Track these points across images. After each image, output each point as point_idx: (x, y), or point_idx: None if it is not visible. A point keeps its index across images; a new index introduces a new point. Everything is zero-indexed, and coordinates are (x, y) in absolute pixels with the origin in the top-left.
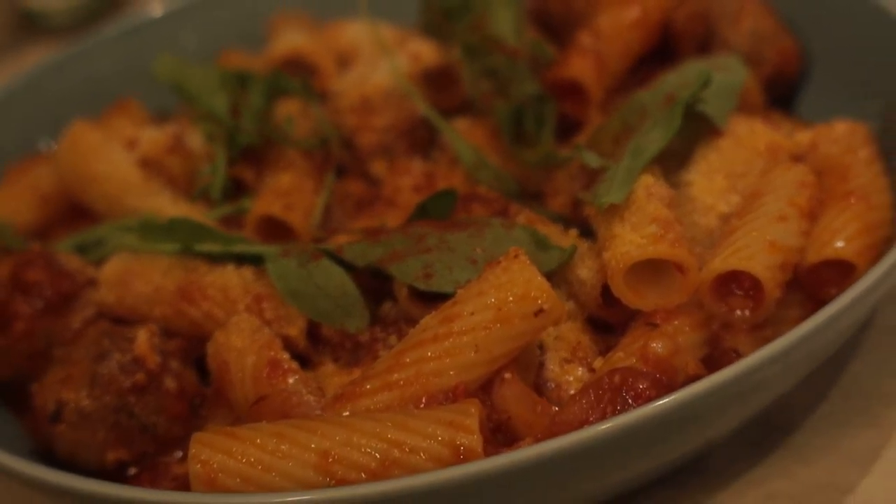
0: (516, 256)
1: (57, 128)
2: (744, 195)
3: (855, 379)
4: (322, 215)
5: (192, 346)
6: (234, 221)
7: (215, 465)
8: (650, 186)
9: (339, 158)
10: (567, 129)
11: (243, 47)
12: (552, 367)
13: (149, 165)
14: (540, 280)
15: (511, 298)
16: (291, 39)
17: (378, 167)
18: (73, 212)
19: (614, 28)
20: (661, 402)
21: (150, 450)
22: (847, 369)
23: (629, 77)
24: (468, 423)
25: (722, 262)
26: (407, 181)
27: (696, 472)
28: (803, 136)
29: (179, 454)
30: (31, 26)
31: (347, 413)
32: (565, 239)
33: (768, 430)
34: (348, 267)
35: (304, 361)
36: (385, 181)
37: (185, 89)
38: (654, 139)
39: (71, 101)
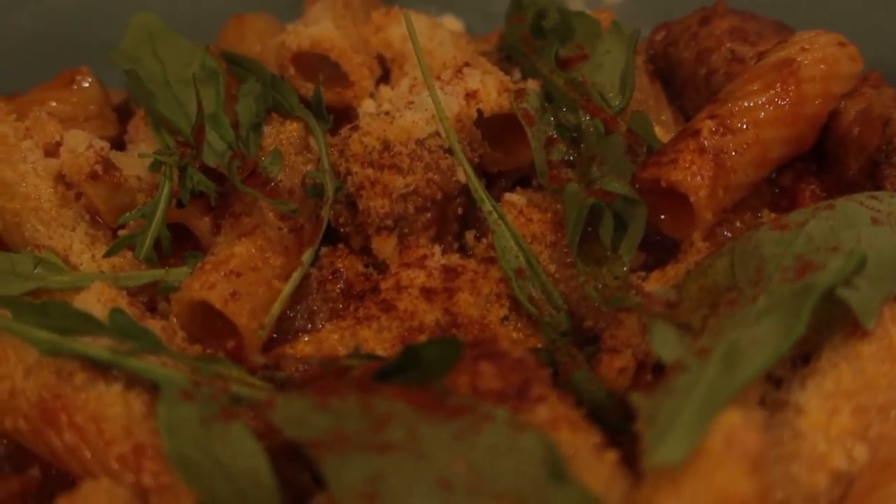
0: None
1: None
2: (875, 449)
3: None
4: (290, 302)
5: (47, 481)
6: (155, 295)
7: None
8: (734, 434)
9: (336, 220)
10: (656, 247)
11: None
12: None
13: (69, 185)
14: None
15: None
16: (320, 26)
17: (385, 246)
18: None
19: (752, 119)
20: None
21: None
22: None
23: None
24: None
25: None
26: (418, 278)
27: None
28: None
29: None
30: None
31: None
32: (596, 468)
33: None
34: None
35: None
36: (389, 269)
37: (141, 82)
38: (763, 342)
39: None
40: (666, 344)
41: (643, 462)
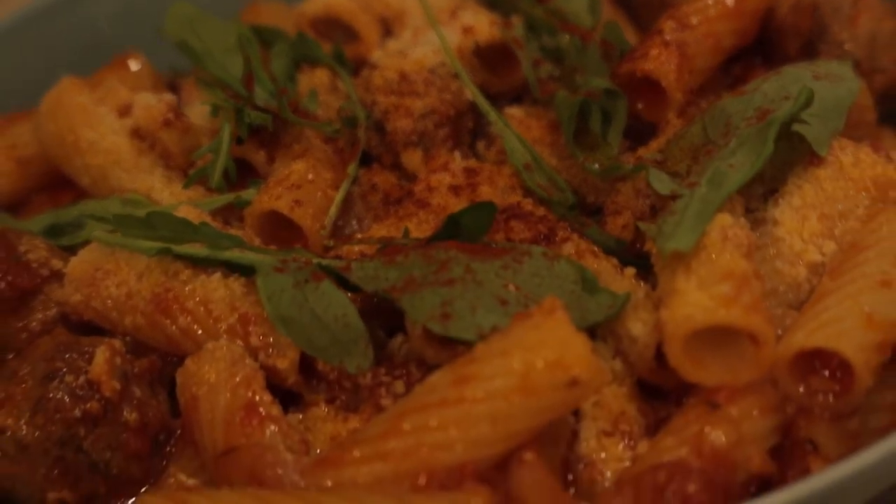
0: (552, 311)
1: (45, 81)
2: (841, 243)
3: None
4: (340, 212)
5: (166, 365)
6: (232, 214)
7: None
8: (727, 229)
9: (368, 145)
10: (638, 132)
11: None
12: (587, 440)
13: (142, 137)
14: (578, 344)
15: (540, 364)
16: None
17: (412, 158)
18: (55, 180)
19: (705, 16)
20: None
21: (100, 491)
22: None
23: (717, 76)
24: None
25: (806, 336)
26: (444, 179)
27: None
28: None
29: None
30: None
31: (329, 483)
32: (619, 280)
33: None
34: (354, 288)
35: (294, 398)
36: (419, 176)
37: (192, 49)
38: (739, 166)
39: (65, 50)
40: (661, 181)
41: (658, 253)
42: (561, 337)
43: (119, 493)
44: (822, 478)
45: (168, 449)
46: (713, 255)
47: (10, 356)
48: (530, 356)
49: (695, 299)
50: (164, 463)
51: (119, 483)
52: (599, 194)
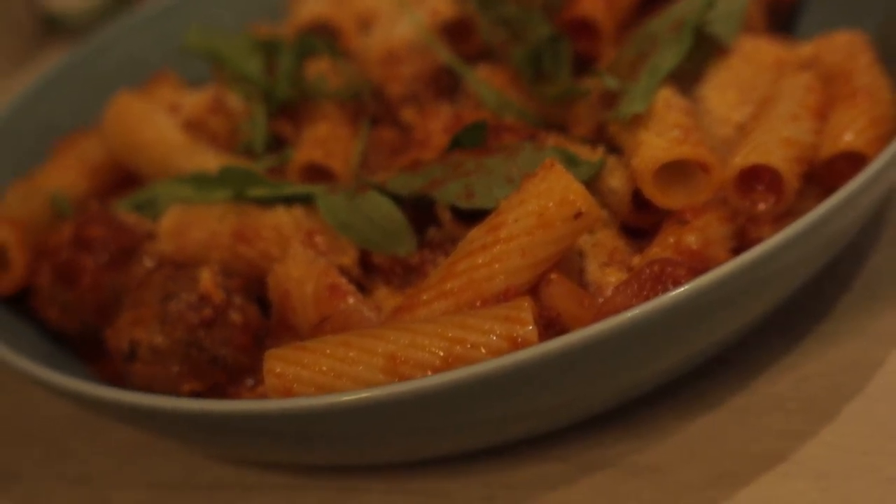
0: (552, 166)
1: (102, 104)
2: (755, 104)
3: (876, 271)
4: (360, 161)
5: (251, 285)
6: (278, 172)
7: (290, 377)
8: (669, 98)
9: (371, 109)
10: (583, 66)
11: (266, 22)
12: (592, 270)
13: (192, 127)
14: (577, 185)
15: (551, 204)
16: (313, 7)
17: (408, 114)
18: (123, 181)
19: None
20: (701, 279)
21: (222, 380)
22: (867, 264)
23: (637, 16)
24: (523, 316)
25: (743, 158)
26: (437, 123)
27: (730, 363)
28: (806, 49)
29: (250, 382)
30: (51, 29)
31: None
32: (594, 155)
33: (796, 318)
34: (392, 198)
35: (359, 288)
36: (416, 126)
37: (218, 54)
38: (667, 58)
39: (112, 80)
40: (611, 81)
41: (620, 127)
42: (563, 182)
43: (235, 379)
44: (767, 244)
45: (266, 342)
46: (663, 115)
47: (125, 299)
48: (542, 200)
49: (655, 143)
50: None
51: (234, 372)
52: (560, 116)
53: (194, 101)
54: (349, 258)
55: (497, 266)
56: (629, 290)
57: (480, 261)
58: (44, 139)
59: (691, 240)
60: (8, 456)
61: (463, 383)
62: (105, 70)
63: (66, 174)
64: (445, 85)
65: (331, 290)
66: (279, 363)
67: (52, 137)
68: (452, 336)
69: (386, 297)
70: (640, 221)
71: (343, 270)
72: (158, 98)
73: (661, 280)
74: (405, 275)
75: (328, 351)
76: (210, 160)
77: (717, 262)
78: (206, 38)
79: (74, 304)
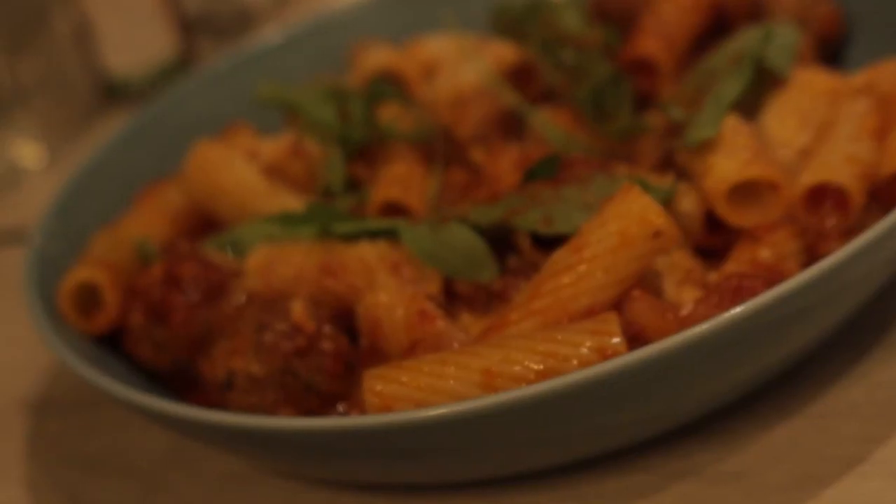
0: (630, 189)
1: (176, 159)
2: (815, 129)
3: None
4: (435, 198)
5: (338, 316)
6: (356, 212)
7: (389, 395)
8: (735, 124)
9: (442, 150)
10: (643, 103)
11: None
12: (669, 289)
13: (271, 172)
14: (655, 205)
15: (631, 224)
16: (379, 56)
17: (477, 154)
18: (204, 227)
19: (675, 11)
20: (781, 286)
21: (315, 406)
22: None
23: (694, 54)
24: (611, 328)
25: (810, 176)
26: (506, 161)
27: (803, 374)
28: (858, 78)
29: (341, 408)
30: (112, 94)
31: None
32: (664, 181)
33: (864, 330)
34: (472, 228)
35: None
36: (486, 165)
37: (292, 103)
38: (730, 89)
39: (186, 134)
40: (676, 112)
41: (688, 155)
42: (641, 203)
43: (328, 405)
44: (841, 252)
45: (357, 370)
46: (731, 139)
47: (217, 334)
48: (623, 220)
49: (726, 165)
50: (357, 380)
51: (327, 398)
52: (625, 152)
53: (273, 146)
54: (435, 286)
55: (582, 284)
56: (710, 302)
57: (566, 280)
58: (123, 192)
59: (766, 255)
60: (106, 492)
61: (560, 392)
62: (178, 126)
63: (148, 221)
64: (512, 126)
65: (421, 314)
66: (379, 382)
67: (131, 190)
68: (544, 350)
69: (471, 322)
70: (713, 242)
71: (429, 297)
72: (237, 145)
73: (739, 293)
74: (488, 301)
75: (425, 368)
76: (291, 202)
77: (791, 276)
78: (277, 88)
79: (167, 340)
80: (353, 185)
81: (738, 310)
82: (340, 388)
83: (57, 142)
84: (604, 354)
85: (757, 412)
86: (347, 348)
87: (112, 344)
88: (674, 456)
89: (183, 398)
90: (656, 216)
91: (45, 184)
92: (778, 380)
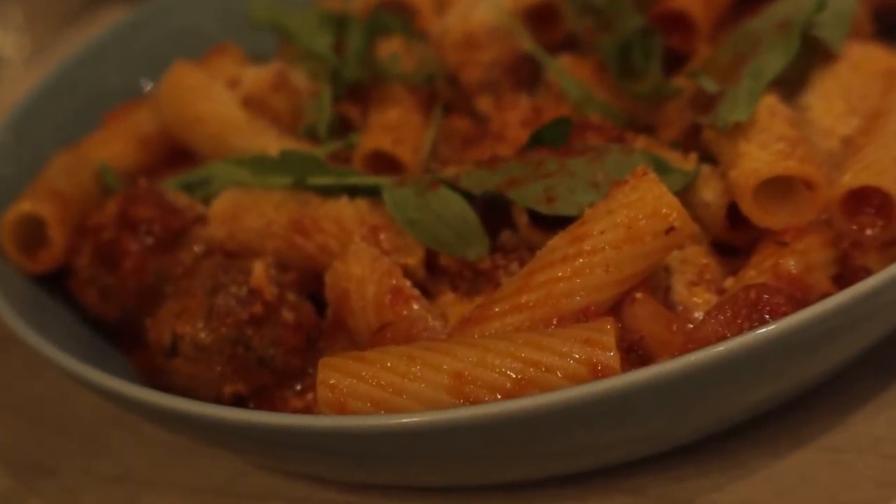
0: (644, 174)
1: (156, 74)
2: (864, 117)
3: None
4: (430, 151)
5: (306, 280)
6: (342, 159)
7: (345, 390)
8: (773, 106)
9: (445, 95)
10: (673, 63)
11: None
12: (679, 289)
13: (252, 104)
14: (670, 197)
15: (641, 216)
16: None
17: (484, 103)
18: (175, 155)
19: None
20: (802, 313)
21: (268, 382)
22: None
23: (734, 11)
24: (605, 339)
25: (852, 177)
26: (514, 116)
27: (822, 396)
28: None
29: (298, 387)
30: None
31: (477, 336)
32: (686, 163)
33: (894, 353)
34: (465, 195)
35: (423, 292)
36: (492, 117)
37: (284, 28)
38: (772, 62)
39: (169, 48)
40: (709, 83)
41: (717, 135)
42: (655, 193)
43: (283, 383)
44: (876, 279)
45: (319, 344)
46: (766, 125)
47: (170, 287)
48: (632, 211)
49: (758, 156)
50: (318, 356)
51: (283, 374)
52: (648, 116)
53: (256, 76)
54: (415, 259)
55: (578, 281)
56: (722, 316)
57: (560, 274)
58: (93, 107)
59: (791, 264)
60: (43, 448)
61: (535, 413)
62: (162, 37)
63: (114, 145)
64: (525, 74)
65: (394, 293)
66: (334, 374)
67: (102, 106)
68: (526, 357)
69: (452, 303)
70: (734, 239)
71: (407, 272)
72: (218, 71)
73: (757, 308)
74: (474, 280)
75: (389, 363)
76: (270, 141)
77: (818, 291)
78: (272, 10)
79: (115, 288)
80: (343, 127)
81: (751, 336)
82: (299, 364)
83: (44, 34)
84: (594, 370)
85: (764, 437)
86: (311, 320)
87: (59, 284)
88: (666, 479)
89: (127, 354)
90: (671, 210)
91: (23, 76)
92: (792, 401)
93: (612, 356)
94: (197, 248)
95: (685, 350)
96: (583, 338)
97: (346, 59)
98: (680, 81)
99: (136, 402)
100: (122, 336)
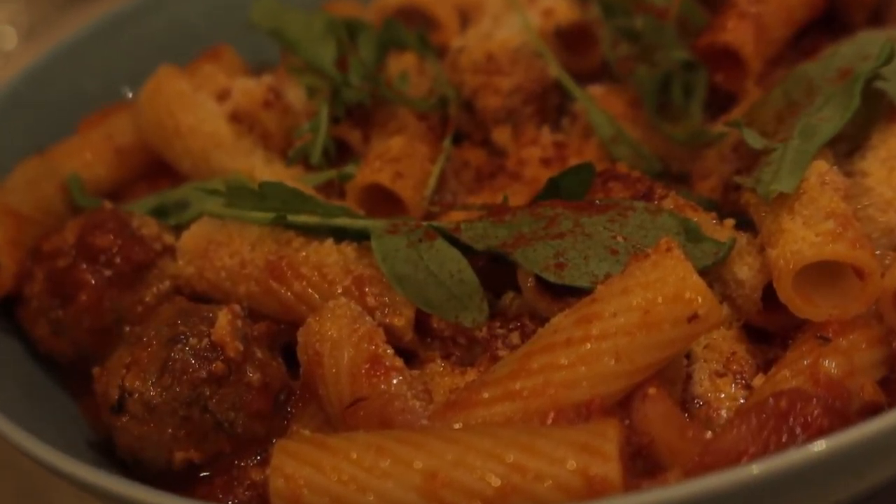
0: (668, 249)
1: (141, 76)
2: None
3: None
4: (436, 187)
5: (280, 332)
6: (335, 189)
7: (301, 481)
8: (824, 174)
9: (458, 123)
10: (718, 103)
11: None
12: (701, 381)
13: (241, 120)
14: (696, 279)
15: (661, 300)
16: None
17: (502, 135)
18: (153, 169)
19: None
20: (838, 438)
21: (226, 450)
22: None
23: (789, 49)
24: (605, 448)
25: None
26: (534, 153)
27: None
28: None
29: (258, 457)
30: None
31: (459, 425)
32: (720, 230)
33: None
34: (465, 249)
35: (410, 357)
36: (509, 151)
37: (285, 36)
38: (828, 119)
39: (158, 48)
40: (754, 138)
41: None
42: (679, 274)
43: (243, 451)
44: None
45: (289, 409)
46: (815, 197)
47: (127, 328)
48: (651, 293)
49: (802, 236)
50: (286, 422)
51: (243, 442)
52: (684, 163)
53: (247, 88)
54: (403, 319)
55: (582, 370)
56: (746, 427)
57: (563, 360)
58: (69, 112)
59: (832, 366)
60: None
61: None
62: (149, 36)
63: (87, 154)
64: (550, 105)
65: (372, 362)
66: (290, 461)
67: (79, 111)
68: (513, 461)
69: (441, 374)
70: (769, 323)
71: (394, 333)
72: (207, 78)
73: (787, 419)
74: (468, 348)
75: (354, 455)
76: (256, 164)
77: (860, 398)
78: (273, 13)
79: (68, 323)
80: (338, 153)
81: (777, 461)
82: (263, 431)
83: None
84: (589, 482)
85: None
86: (279, 381)
87: (7, 310)
88: None
89: (77, 398)
90: (696, 294)
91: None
92: None
93: (612, 468)
94: (160, 286)
95: (699, 465)
96: (580, 442)
97: (350, 75)
98: (723, 126)
99: (57, 472)
100: (74, 376)
